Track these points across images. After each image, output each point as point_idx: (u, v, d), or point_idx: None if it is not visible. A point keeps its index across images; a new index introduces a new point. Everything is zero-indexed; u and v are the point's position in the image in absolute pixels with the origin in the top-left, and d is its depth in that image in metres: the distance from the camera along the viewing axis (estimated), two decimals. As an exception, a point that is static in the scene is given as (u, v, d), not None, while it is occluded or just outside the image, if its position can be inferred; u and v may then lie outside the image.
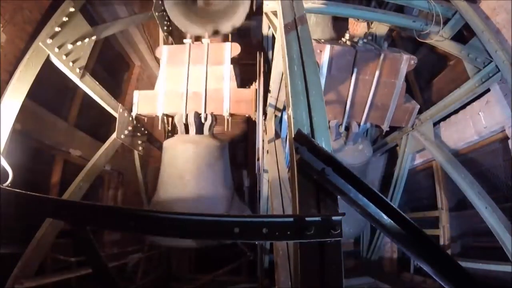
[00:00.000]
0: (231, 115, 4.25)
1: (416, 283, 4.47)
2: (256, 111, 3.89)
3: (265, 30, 4.43)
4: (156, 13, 4.53)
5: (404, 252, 1.22)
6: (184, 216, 1.26)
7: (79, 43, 3.32)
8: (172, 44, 4.95)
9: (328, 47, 3.77)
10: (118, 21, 4.35)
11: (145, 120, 4.72)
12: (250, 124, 7.13)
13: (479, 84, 3.47)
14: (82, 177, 3.68)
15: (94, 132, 4.99)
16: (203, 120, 4.34)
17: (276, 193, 3.03)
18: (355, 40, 3.99)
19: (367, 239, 5.71)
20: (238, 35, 6.16)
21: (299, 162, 1.30)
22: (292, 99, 1.54)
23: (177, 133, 4.61)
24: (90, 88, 3.67)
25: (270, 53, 4.60)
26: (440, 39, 3.66)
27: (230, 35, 4.59)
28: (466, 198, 3.62)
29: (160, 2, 4.57)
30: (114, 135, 4.16)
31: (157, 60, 4.48)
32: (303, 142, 1.32)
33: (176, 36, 5.20)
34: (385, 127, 4.23)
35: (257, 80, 3.81)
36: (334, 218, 1.18)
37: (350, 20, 5.29)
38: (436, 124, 4.29)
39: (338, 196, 1.26)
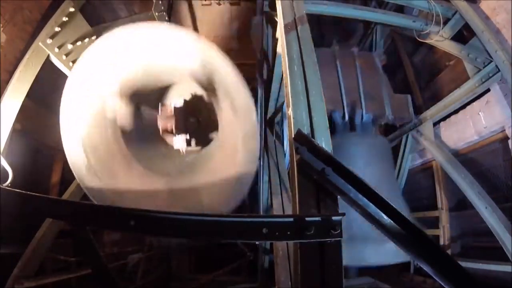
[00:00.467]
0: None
1: (416, 283, 4.47)
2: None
3: (265, 30, 4.42)
4: (156, 13, 4.53)
5: (404, 252, 1.22)
6: (184, 216, 1.26)
7: (79, 43, 3.33)
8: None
9: None
10: (118, 21, 4.35)
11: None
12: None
13: (479, 84, 3.47)
14: (82, 177, 3.68)
15: (94, 132, 4.98)
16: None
17: (276, 193, 3.03)
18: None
19: (367, 239, 5.69)
20: (238, 35, 6.16)
21: (299, 162, 1.30)
22: (292, 99, 1.54)
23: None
24: (90, 88, 3.66)
25: (270, 53, 4.60)
26: (440, 39, 3.66)
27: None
28: (466, 198, 3.62)
29: (160, 2, 4.57)
30: (114, 135, 4.16)
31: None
32: (303, 142, 1.32)
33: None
34: (388, 114, 4.25)
35: (257, 80, 3.81)
36: (334, 218, 1.18)
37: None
38: (436, 124, 4.29)
39: (338, 196, 1.26)
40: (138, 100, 2.80)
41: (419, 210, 4.89)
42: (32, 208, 1.50)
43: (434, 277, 1.16)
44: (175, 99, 2.87)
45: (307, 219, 1.18)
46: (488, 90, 3.48)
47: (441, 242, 4.27)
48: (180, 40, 2.43)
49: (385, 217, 1.20)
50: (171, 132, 2.70)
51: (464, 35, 3.65)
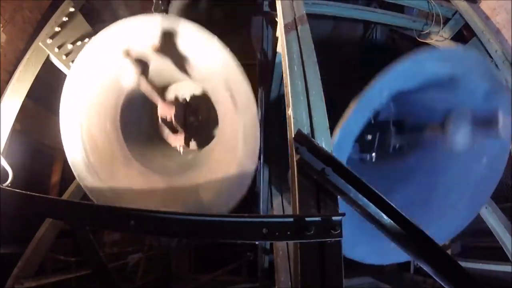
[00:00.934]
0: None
1: (416, 283, 4.47)
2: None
3: (265, 30, 4.42)
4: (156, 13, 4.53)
5: (404, 252, 1.22)
6: (184, 216, 1.27)
7: (79, 43, 3.32)
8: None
9: None
10: (118, 21, 4.34)
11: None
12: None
13: (479, 84, 3.47)
14: (82, 177, 3.68)
15: (94, 132, 4.98)
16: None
17: (276, 193, 3.03)
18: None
19: (367, 239, 5.68)
20: (238, 35, 6.15)
21: (299, 162, 1.30)
22: (292, 99, 1.54)
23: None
24: (90, 88, 3.66)
25: (270, 53, 4.60)
26: (440, 39, 3.66)
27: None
28: (466, 198, 3.62)
29: (160, 2, 4.57)
30: (114, 135, 4.16)
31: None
32: (303, 142, 1.32)
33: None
34: None
35: (257, 80, 3.81)
36: (334, 218, 1.18)
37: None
38: (436, 124, 4.28)
39: (338, 196, 1.27)
40: (139, 100, 2.80)
41: (419, 210, 4.88)
42: (32, 208, 1.50)
43: (434, 277, 1.16)
44: (176, 95, 2.86)
45: (307, 219, 1.18)
46: (488, 90, 3.47)
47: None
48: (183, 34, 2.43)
49: (385, 217, 1.20)
50: (170, 123, 2.68)
51: (464, 35, 3.65)
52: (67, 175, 4.34)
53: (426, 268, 1.18)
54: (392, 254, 3.20)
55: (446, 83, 2.49)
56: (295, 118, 1.47)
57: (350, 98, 2.12)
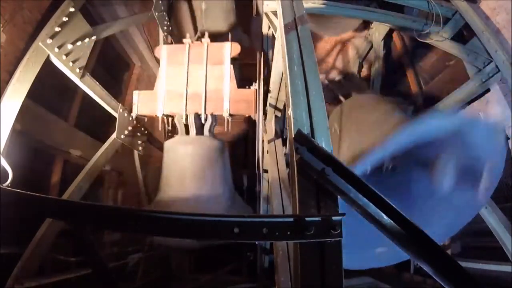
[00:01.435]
0: (231, 115, 4.26)
1: (416, 283, 4.47)
2: (256, 111, 3.91)
3: (265, 30, 4.42)
4: (156, 13, 4.53)
5: (404, 252, 1.22)
6: (184, 216, 1.26)
7: (79, 43, 3.32)
8: (172, 44, 4.95)
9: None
10: (118, 21, 4.35)
11: (145, 120, 4.73)
12: (250, 124, 7.13)
13: (479, 84, 3.47)
14: (82, 177, 3.68)
15: (94, 132, 4.99)
16: (203, 121, 4.35)
17: (276, 193, 3.03)
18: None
19: (367, 239, 5.68)
20: (238, 35, 6.16)
21: (299, 162, 1.30)
22: (292, 99, 1.54)
23: (177, 133, 4.63)
24: (90, 88, 3.67)
25: (270, 53, 4.61)
26: (440, 39, 3.66)
27: (230, 35, 4.58)
28: (466, 198, 3.62)
29: (160, 2, 4.57)
30: (114, 135, 4.16)
31: (157, 60, 4.50)
32: (303, 142, 1.32)
33: (176, 36, 5.20)
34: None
35: (257, 80, 3.81)
36: (334, 218, 1.18)
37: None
38: (436, 124, 4.28)
39: (338, 196, 1.26)
40: None
41: (419, 210, 4.88)
42: (32, 208, 1.50)
43: (434, 277, 1.16)
44: None
45: (307, 219, 1.18)
46: (488, 90, 3.48)
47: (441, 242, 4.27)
48: None
49: (385, 217, 1.20)
50: None
51: (464, 35, 3.65)
52: (67, 175, 4.35)
53: (426, 268, 1.18)
54: (372, 260, 3.37)
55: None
56: (295, 118, 1.47)
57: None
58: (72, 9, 3.19)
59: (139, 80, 6.51)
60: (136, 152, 4.99)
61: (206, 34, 4.45)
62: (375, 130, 3.29)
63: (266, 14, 3.60)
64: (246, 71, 5.28)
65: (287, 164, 3.54)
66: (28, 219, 3.15)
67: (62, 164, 4.37)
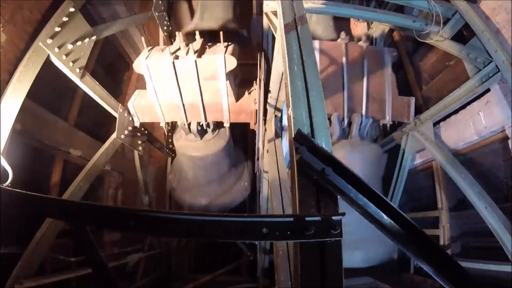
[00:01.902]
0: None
1: (416, 283, 4.47)
2: (256, 122, 3.69)
3: (265, 30, 4.42)
4: (156, 13, 4.53)
5: (404, 252, 1.22)
6: (185, 216, 1.26)
7: (79, 43, 3.32)
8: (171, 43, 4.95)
9: (316, 42, 4.07)
10: (118, 21, 4.35)
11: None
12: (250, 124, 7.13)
13: (479, 84, 3.47)
14: (82, 177, 3.68)
15: (94, 132, 4.99)
16: (205, 127, 4.39)
17: (276, 193, 3.03)
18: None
19: (367, 239, 5.69)
20: (238, 35, 6.14)
21: (299, 162, 1.29)
22: (292, 99, 1.54)
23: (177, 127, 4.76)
24: (90, 88, 3.67)
25: (270, 53, 4.61)
26: (440, 39, 3.66)
27: (222, 36, 4.58)
28: (466, 198, 3.62)
29: (160, 2, 4.57)
30: (114, 135, 4.16)
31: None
32: (303, 142, 1.32)
33: (175, 36, 5.19)
34: (388, 120, 4.26)
35: (257, 80, 3.81)
36: (334, 218, 1.18)
37: (351, 20, 5.31)
38: (436, 124, 4.29)
39: (338, 196, 1.26)
40: None
41: (419, 210, 4.89)
42: (32, 208, 1.50)
43: (434, 277, 1.16)
44: None
45: (307, 219, 1.18)
46: (488, 90, 3.48)
47: (441, 242, 4.27)
48: None
49: (385, 217, 1.20)
50: None
51: (464, 35, 3.65)
52: (67, 175, 4.35)
53: (426, 268, 1.17)
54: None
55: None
56: (295, 118, 1.47)
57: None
58: (72, 9, 3.19)
59: (139, 80, 6.50)
60: (136, 152, 4.99)
61: (197, 33, 3.94)
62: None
63: (266, 14, 3.59)
64: (246, 71, 5.28)
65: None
66: (28, 219, 3.15)
67: (62, 164, 4.37)
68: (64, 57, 3.18)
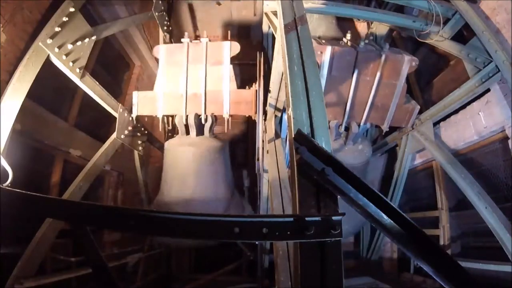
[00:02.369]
0: (231, 116, 4.26)
1: (416, 283, 4.47)
2: (256, 112, 3.89)
3: (265, 30, 4.42)
4: (156, 13, 4.53)
5: (404, 252, 1.22)
6: (185, 216, 1.26)
7: (79, 43, 3.32)
8: (172, 43, 4.95)
9: (329, 48, 3.73)
10: (118, 21, 4.35)
11: (145, 120, 4.73)
12: (250, 124, 7.13)
13: (479, 84, 3.47)
14: (82, 177, 3.68)
15: (94, 132, 4.99)
16: (203, 121, 4.35)
17: (276, 193, 3.03)
18: (357, 40, 3.97)
19: (367, 239, 5.70)
20: (238, 35, 6.16)
21: (299, 162, 1.29)
22: (292, 99, 1.54)
23: (177, 133, 4.63)
24: (90, 88, 3.67)
25: (270, 53, 4.61)
26: (440, 39, 3.66)
27: (229, 35, 4.58)
28: (466, 198, 3.62)
29: (160, 2, 4.57)
30: (114, 135, 4.16)
31: (157, 60, 4.47)
32: (303, 142, 1.32)
33: (175, 36, 5.20)
34: (385, 127, 4.24)
35: (257, 80, 3.81)
36: (334, 218, 1.18)
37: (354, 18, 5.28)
38: (436, 124, 4.29)
39: (338, 196, 1.26)
40: None
41: (419, 210, 4.89)
42: (32, 208, 1.50)
43: (434, 277, 1.16)
44: None
45: (307, 219, 1.18)
46: (488, 90, 3.48)
47: (441, 242, 4.27)
48: None
49: (385, 217, 1.20)
50: None
51: (464, 35, 3.65)
52: (67, 175, 4.35)
53: (426, 268, 1.17)
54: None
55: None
56: (295, 118, 1.47)
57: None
58: (72, 9, 3.18)
59: (139, 80, 6.51)
60: (136, 152, 4.99)
61: (205, 32, 4.41)
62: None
63: (266, 14, 3.60)
64: (246, 71, 5.28)
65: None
66: (28, 219, 3.15)
67: (62, 164, 4.37)
68: (64, 57, 3.18)
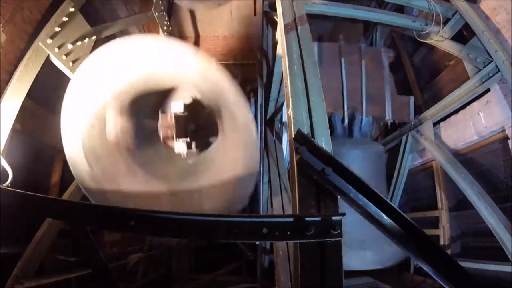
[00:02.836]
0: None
1: (416, 283, 4.47)
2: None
3: (265, 30, 4.42)
4: (156, 13, 4.53)
5: (404, 252, 1.22)
6: (185, 216, 1.26)
7: (79, 43, 3.32)
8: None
9: (315, 44, 4.13)
10: (118, 21, 4.35)
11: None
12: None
13: (479, 84, 3.47)
14: (82, 177, 3.68)
15: (94, 132, 4.98)
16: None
17: (276, 193, 3.03)
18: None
19: (367, 239, 5.69)
20: (238, 35, 6.15)
21: (299, 162, 1.30)
22: (292, 99, 1.54)
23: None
24: (90, 88, 3.66)
25: (270, 53, 4.61)
26: (440, 39, 3.66)
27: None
28: (466, 198, 3.62)
29: (160, 2, 4.57)
30: (114, 135, 4.16)
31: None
32: (303, 142, 1.32)
33: (175, 36, 5.20)
34: (388, 119, 4.29)
35: (257, 80, 3.81)
36: (334, 218, 1.18)
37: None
38: (436, 124, 4.29)
39: (338, 196, 1.26)
40: (138, 109, 2.80)
41: (419, 210, 4.89)
42: (32, 208, 1.50)
43: (434, 277, 1.16)
44: (175, 105, 2.87)
45: (307, 219, 1.18)
46: (488, 90, 3.48)
47: (441, 242, 4.27)
48: (180, 53, 2.45)
49: (385, 217, 1.20)
50: (172, 139, 2.72)
51: (464, 35, 3.65)
52: (67, 175, 4.34)
53: (426, 268, 1.18)
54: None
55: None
56: (295, 118, 1.47)
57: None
58: (72, 9, 3.19)
59: (139, 80, 6.50)
60: (136, 152, 4.98)
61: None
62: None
63: (266, 14, 3.60)
64: (246, 71, 5.28)
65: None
66: (28, 219, 3.15)
67: (62, 164, 4.36)
68: (64, 57, 3.18)
